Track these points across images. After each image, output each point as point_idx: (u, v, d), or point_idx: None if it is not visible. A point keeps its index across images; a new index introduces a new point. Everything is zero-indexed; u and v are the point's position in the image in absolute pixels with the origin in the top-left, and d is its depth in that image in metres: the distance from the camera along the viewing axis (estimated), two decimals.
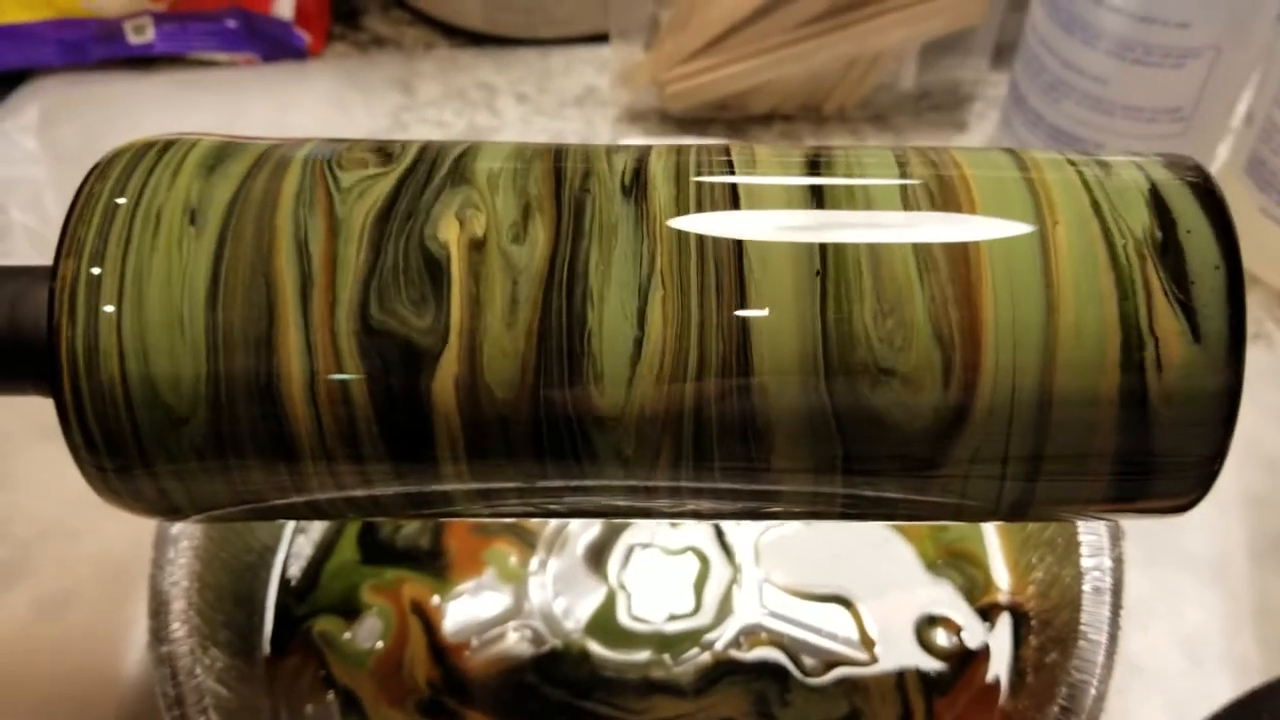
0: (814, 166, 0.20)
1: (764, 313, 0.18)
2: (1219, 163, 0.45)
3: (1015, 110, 0.44)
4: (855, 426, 0.18)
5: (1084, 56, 0.39)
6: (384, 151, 0.20)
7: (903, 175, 0.19)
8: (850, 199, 0.19)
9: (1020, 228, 0.18)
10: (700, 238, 0.18)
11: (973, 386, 0.18)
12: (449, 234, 0.18)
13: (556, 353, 0.18)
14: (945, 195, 0.19)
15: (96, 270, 0.18)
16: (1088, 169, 0.19)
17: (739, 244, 0.18)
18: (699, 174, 0.19)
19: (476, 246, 0.18)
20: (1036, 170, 0.19)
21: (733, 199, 0.19)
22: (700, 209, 0.19)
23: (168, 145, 0.20)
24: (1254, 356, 0.37)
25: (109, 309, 0.18)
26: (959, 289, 0.18)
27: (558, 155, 0.20)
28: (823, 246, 0.18)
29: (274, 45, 0.51)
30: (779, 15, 0.44)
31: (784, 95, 0.48)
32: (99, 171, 0.19)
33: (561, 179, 0.19)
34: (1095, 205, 0.19)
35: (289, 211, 0.19)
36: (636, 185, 0.19)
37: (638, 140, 0.46)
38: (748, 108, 0.48)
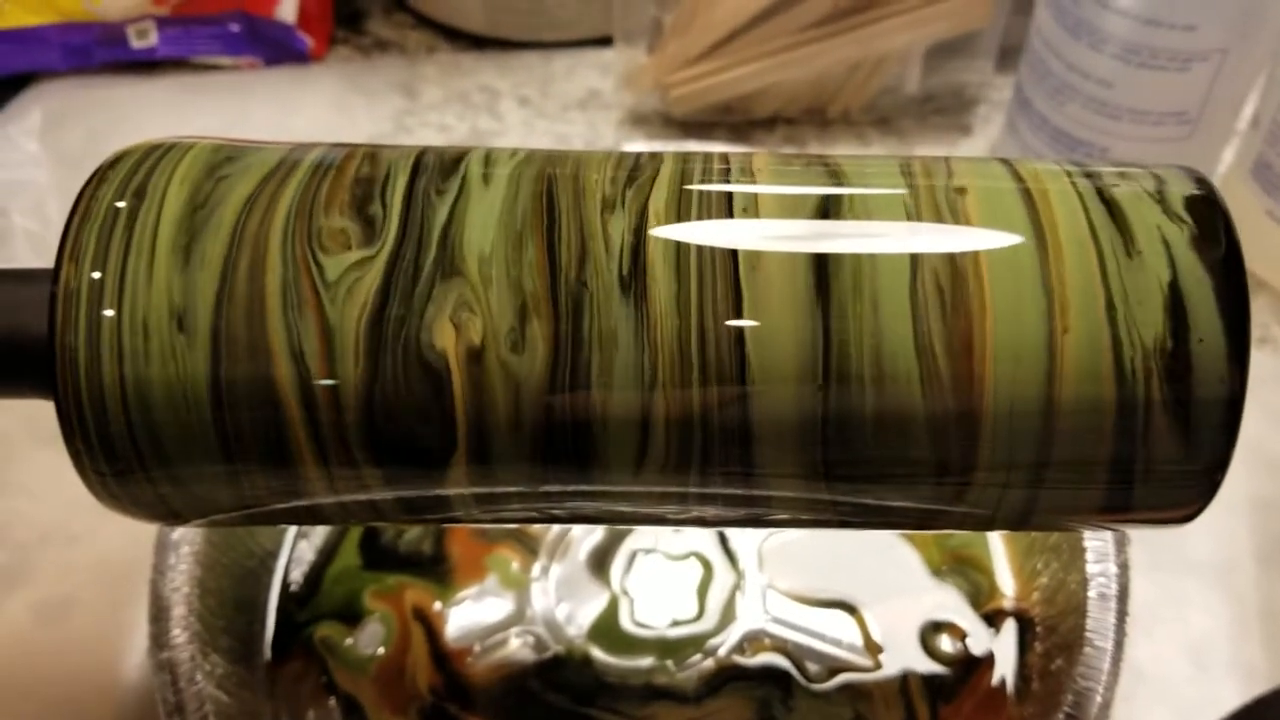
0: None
1: (766, 417, 0.18)
2: (1225, 166, 0.44)
3: (1020, 113, 0.44)
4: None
5: (1089, 60, 0.39)
6: (365, 214, 0.19)
7: (916, 280, 0.18)
8: (859, 336, 0.18)
9: (1030, 337, 0.18)
10: (703, 342, 0.18)
11: (968, 483, 0.19)
12: (445, 341, 0.18)
13: (562, 451, 0.19)
14: (957, 287, 0.18)
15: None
16: (1110, 250, 0.18)
17: (742, 339, 0.18)
18: (701, 255, 0.18)
19: (475, 358, 0.18)
20: (1056, 256, 0.18)
21: (736, 294, 0.18)
22: (703, 297, 0.18)
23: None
24: (1259, 360, 0.37)
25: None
26: (960, 398, 0.18)
27: (550, 224, 0.19)
28: (826, 366, 0.18)
29: (277, 49, 0.51)
30: (783, 18, 0.44)
31: (788, 99, 0.48)
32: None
33: (556, 267, 0.18)
34: (1110, 306, 0.18)
35: (278, 315, 0.18)
36: (635, 274, 0.18)
37: (640, 146, 0.46)
38: (752, 111, 0.48)
